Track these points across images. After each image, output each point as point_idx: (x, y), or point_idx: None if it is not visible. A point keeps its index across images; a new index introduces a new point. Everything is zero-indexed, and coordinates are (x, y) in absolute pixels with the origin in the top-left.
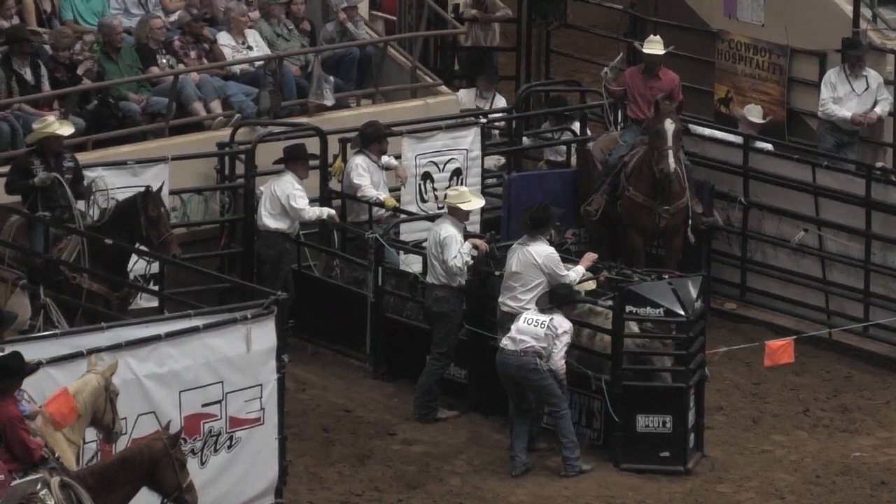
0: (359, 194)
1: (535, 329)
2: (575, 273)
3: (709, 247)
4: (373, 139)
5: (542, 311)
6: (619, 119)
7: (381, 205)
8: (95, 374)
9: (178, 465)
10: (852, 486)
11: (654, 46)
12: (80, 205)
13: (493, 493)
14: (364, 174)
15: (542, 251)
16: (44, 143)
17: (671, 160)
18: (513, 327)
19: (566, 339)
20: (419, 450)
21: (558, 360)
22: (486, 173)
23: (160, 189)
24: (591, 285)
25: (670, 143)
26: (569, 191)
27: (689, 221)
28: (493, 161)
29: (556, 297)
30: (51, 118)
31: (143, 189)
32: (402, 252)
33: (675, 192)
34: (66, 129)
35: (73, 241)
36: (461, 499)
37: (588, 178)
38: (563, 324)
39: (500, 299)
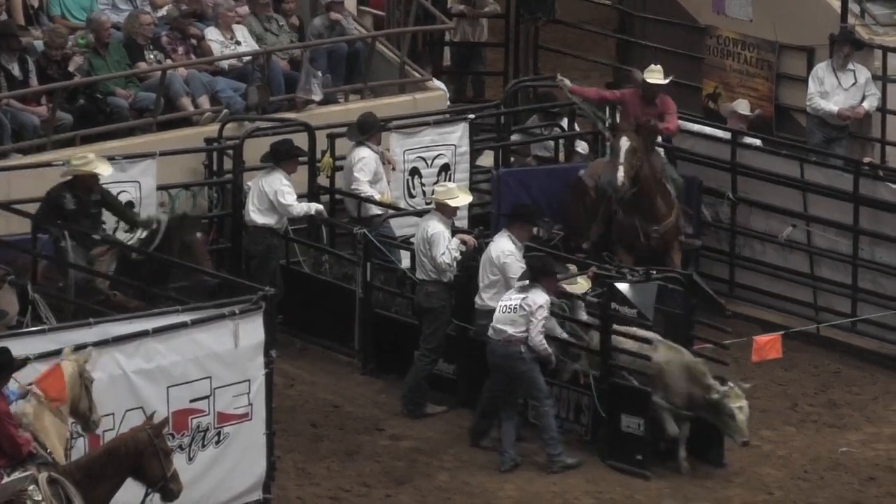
0: (352, 187)
1: (509, 316)
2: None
3: (697, 269)
4: (373, 128)
5: (521, 289)
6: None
7: (372, 201)
8: (69, 362)
9: (163, 455)
10: (840, 482)
11: (655, 76)
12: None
13: (481, 489)
14: (365, 169)
15: (501, 248)
16: (79, 178)
17: (620, 174)
18: (494, 317)
19: (542, 313)
20: (407, 445)
21: (535, 337)
22: (475, 169)
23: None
24: (586, 285)
25: (621, 158)
26: (557, 186)
27: (681, 237)
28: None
29: (534, 271)
30: (91, 155)
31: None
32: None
33: (663, 214)
34: (104, 169)
35: (105, 260)
36: (449, 494)
37: (582, 206)
38: (536, 299)
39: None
